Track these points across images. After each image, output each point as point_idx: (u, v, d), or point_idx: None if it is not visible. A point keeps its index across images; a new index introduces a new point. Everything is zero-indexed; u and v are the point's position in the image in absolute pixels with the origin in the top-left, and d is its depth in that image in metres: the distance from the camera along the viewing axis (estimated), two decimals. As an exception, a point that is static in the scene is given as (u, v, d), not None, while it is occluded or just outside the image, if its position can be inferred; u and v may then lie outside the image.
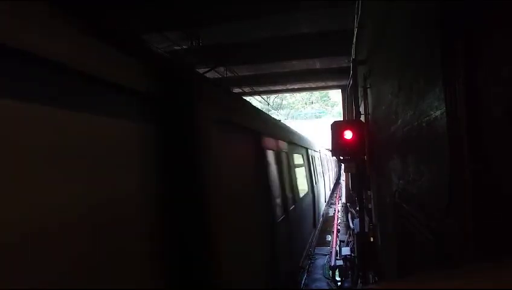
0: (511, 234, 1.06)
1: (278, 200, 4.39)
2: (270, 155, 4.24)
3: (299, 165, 7.47)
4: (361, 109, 5.98)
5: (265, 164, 3.80)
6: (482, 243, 1.23)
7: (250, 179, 3.24)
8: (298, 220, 5.84)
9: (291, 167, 6.04)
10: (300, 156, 7.89)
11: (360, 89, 6.02)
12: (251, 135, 3.36)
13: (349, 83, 8.45)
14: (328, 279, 7.59)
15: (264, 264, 3.31)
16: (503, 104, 1.09)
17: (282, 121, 8.15)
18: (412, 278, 1.49)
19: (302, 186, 7.31)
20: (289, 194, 5.24)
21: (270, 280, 3.50)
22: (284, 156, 5.30)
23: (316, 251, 9.06)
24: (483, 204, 1.20)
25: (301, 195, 6.80)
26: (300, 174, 7.39)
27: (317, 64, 12.95)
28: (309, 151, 9.57)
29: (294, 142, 6.94)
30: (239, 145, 2.96)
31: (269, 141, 4.26)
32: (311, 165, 9.77)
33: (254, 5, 7.63)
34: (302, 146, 8.24)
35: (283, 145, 5.34)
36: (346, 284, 7.05)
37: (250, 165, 3.28)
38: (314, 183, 9.56)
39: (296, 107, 45.94)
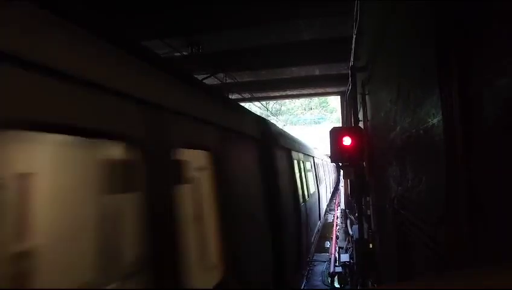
0: (506, 240, 1.09)
1: None
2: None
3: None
4: (360, 116, 6.02)
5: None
6: (478, 249, 1.25)
7: None
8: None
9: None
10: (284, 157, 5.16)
11: (358, 96, 6.07)
12: None
13: (348, 90, 8.51)
14: (328, 286, 7.56)
15: None
16: (495, 113, 1.12)
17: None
18: (412, 281, 1.50)
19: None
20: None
21: None
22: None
23: (315, 258, 9.03)
24: (477, 211, 1.22)
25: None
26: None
27: (317, 70, 13.05)
28: (294, 154, 6.45)
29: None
30: None
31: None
32: (300, 172, 6.91)
33: (254, 13, 7.71)
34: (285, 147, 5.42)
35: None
36: (345, 291, 7.03)
37: None
38: (301, 202, 6.35)
39: (295, 113, 46.08)
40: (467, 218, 1.25)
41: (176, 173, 1.99)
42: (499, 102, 1.10)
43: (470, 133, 1.26)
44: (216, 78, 11.87)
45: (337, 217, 14.12)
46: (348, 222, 11.50)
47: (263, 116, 7.84)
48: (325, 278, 7.89)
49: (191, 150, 2.27)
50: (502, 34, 1.09)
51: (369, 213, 6.19)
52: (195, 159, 2.44)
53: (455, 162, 1.31)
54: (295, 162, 6.45)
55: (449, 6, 1.42)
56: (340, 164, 5.79)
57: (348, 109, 10.81)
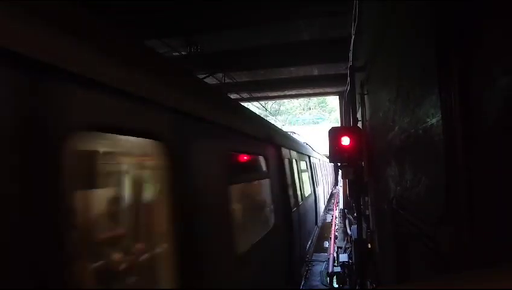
0: (507, 240, 1.08)
1: None
2: None
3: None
4: (359, 115, 6.03)
5: None
6: (479, 250, 1.25)
7: None
8: None
9: None
10: None
11: (357, 96, 6.07)
12: None
13: (347, 89, 8.51)
14: (326, 286, 7.56)
15: None
16: (495, 113, 1.12)
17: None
18: (411, 282, 1.50)
19: None
20: None
21: None
22: None
23: (314, 258, 9.03)
24: (477, 211, 1.22)
25: None
26: None
27: (315, 70, 13.05)
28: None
29: None
30: None
31: None
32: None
33: (254, 13, 7.70)
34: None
35: None
36: (344, 291, 7.04)
37: None
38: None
39: (294, 113, 46.09)
40: (467, 218, 1.25)
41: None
42: (499, 102, 1.10)
43: (470, 133, 1.26)
44: (215, 78, 11.86)
45: (336, 217, 14.12)
46: (347, 221, 11.51)
47: (262, 116, 8.62)
48: (324, 278, 7.89)
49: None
50: (502, 34, 1.09)
51: (367, 213, 6.20)
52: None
53: (455, 162, 1.31)
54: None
55: (449, 6, 1.42)
56: (339, 164, 5.80)
57: (347, 109, 10.81)
